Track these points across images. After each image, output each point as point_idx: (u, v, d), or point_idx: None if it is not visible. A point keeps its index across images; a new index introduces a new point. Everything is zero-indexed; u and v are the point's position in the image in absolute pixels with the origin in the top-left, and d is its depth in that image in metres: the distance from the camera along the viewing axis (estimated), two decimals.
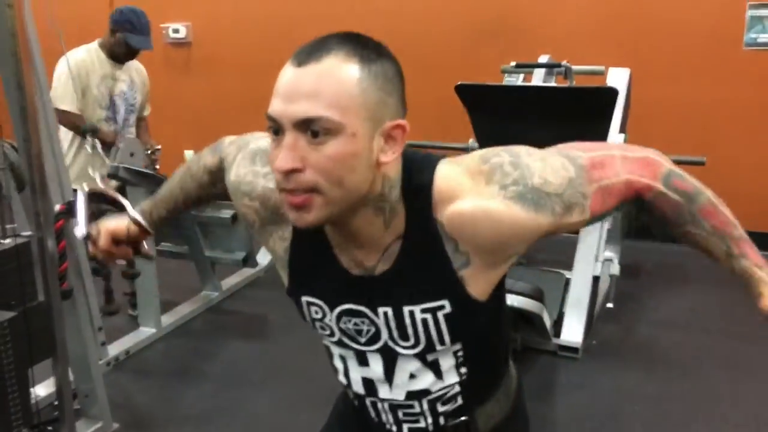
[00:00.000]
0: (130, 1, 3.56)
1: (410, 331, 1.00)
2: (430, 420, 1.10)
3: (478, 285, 0.97)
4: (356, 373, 1.10)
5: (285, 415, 2.72)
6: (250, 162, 1.07)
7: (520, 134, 3.46)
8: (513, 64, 3.83)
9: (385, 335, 1.02)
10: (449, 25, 4.77)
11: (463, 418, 1.10)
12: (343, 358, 1.10)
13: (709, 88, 4.38)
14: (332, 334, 1.07)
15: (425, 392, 1.07)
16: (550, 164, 0.96)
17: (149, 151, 3.50)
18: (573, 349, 3.14)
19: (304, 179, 0.85)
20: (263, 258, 4.21)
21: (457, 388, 1.07)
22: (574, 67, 3.69)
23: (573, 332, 3.17)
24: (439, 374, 1.06)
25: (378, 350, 1.04)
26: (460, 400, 1.09)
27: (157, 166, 3.62)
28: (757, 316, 1.05)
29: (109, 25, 3.32)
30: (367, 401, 1.12)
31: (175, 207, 1.33)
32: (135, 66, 3.51)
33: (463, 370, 1.06)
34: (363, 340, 1.04)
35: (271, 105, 0.87)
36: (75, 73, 3.20)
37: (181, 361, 3.24)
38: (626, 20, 4.49)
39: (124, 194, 3.23)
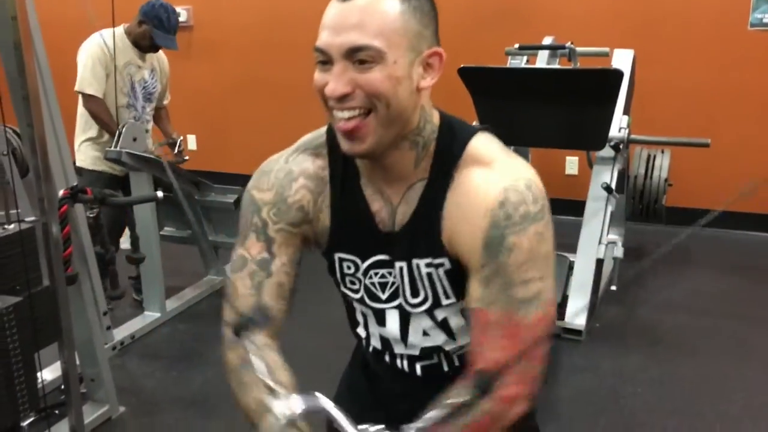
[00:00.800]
0: None
1: (419, 285, 1.05)
2: (444, 363, 1.13)
3: (459, 254, 1.00)
4: (374, 330, 1.14)
5: None
6: (264, 174, 1.09)
7: (524, 117, 3.46)
8: (516, 46, 3.81)
9: (399, 292, 1.07)
10: (452, 8, 4.72)
11: None
12: (364, 316, 1.15)
13: (713, 69, 4.35)
14: (357, 290, 1.11)
15: (439, 348, 1.11)
16: (540, 262, 0.97)
17: (175, 144, 3.51)
18: (576, 332, 3.15)
19: (356, 101, 0.93)
20: None
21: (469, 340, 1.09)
22: (579, 49, 3.67)
23: (576, 315, 3.18)
24: (451, 334, 1.09)
25: (396, 307, 1.08)
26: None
27: (187, 157, 3.63)
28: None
29: (138, 14, 3.26)
30: (386, 353, 1.15)
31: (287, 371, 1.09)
32: (157, 54, 3.46)
33: None
34: (385, 296, 1.08)
35: (320, 38, 0.93)
36: (101, 57, 3.18)
37: (185, 345, 3.26)
38: (630, 1, 4.45)
39: (127, 181, 3.25)
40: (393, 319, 1.10)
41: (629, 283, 3.70)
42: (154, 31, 3.22)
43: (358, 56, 0.90)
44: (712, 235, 4.41)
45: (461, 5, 4.69)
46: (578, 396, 2.75)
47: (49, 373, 2.62)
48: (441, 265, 1.02)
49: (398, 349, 1.13)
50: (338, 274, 1.12)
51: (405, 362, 1.15)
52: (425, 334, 1.09)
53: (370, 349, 1.18)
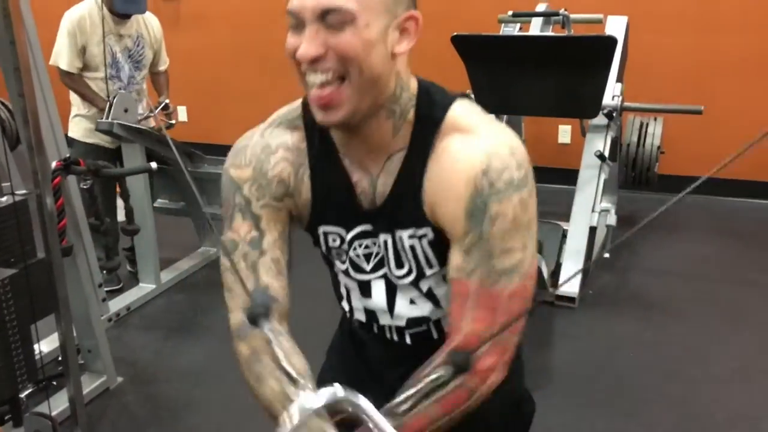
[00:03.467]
0: None
1: (402, 257, 1.05)
2: (431, 331, 1.13)
3: (442, 223, 0.99)
4: (359, 304, 1.14)
5: None
6: (239, 151, 1.07)
7: (518, 85, 3.46)
8: (510, 13, 3.78)
9: (385, 262, 1.06)
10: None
11: None
12: (347, 290, 1.14)
13: (707, 36, 4.33)
14: (344, 262, 1.10)
15: (425, 319, 1.11)
16: (522, 231, 0.95)
17: (159, 107, 3.46)
18: (570, 299, 3.18)
19: (327, 65, 0.91)
20: None
21: None
22: (572, 16, 3.65)
23: (570, 282, 3.20)
24: (437, 303, 1.09)
25: (382, 277, 1.08)
26: None
27: (173, 121, 3.59)
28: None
29: None
30: (373, 324, 1.15)
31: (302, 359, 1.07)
32: (145, 19, 3.37)
33: None
34: (369, 266, 1.08)
35: (291, 1, 0.92)
36: (74, 31, 3.13)
37: (181, 316, 3.28)
38: None
39: (119, 152, 3.24)
40: (379, 290, 1.09)
41: (622, 250, 3.73)
42: None
43: (330, 18, 0.89)
44: (702, 201, 4.44)
45: None
46: (572, 362, 2.78)
47: (46, 345, 2.64)
48: (424, 236, 1.01)
49: (384, 320, 1.12)
50: (324, 248, 1.11)
51: (394, 333, 1.14)
52: (412, 302, 1.09)
53: (355, 323, 1.18)
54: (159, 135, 3.24)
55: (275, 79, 5.53)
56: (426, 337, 1.12)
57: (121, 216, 3.23)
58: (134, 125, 3.11)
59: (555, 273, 3.25)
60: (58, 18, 3.21)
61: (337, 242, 1.08)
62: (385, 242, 1.04)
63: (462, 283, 0.96)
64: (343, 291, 1.15)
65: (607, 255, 3.53)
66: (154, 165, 2.69)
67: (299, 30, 0.92)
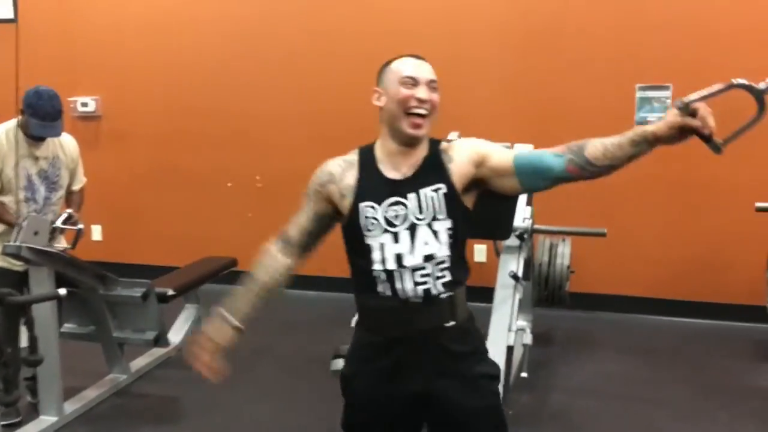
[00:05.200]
0: (41, 77, 3.42)
1: (423, 205, 1.70)
2: (433, 283, 1.69)
3: (456, 176, 1.73)
4: (390, 252, 1.70)
5: None
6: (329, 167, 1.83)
7: None
8: None
9: (410, 215, 1.70)
10: (361, 102, 4.88)
11: (451, 293, 1.71)
12: (381, 246, 1.70)
13: None
14: (379, 226, 1.71)
15: (432, 257, 1.69)
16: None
17: (61, 217, 3.28)
18: None
19: (427, 106, 1.71)
20: (175, 336, 4.07)
21: (447, 263, 1.70)
22: None
23: None
24: (441, 243, 1.69)
25: (407, 228, 1.70)
26: (448, 276, 1.70)
27: (81, 226, 3.36)
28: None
29: None
30: (395, 275, 1.69)
31: (256, 303, 1.83)
32: (61, 140, 3.34)
33: (452, 248, 1.70)
34: (398, 222, 1.70)
35: (405, 70, 1.73)
36: None
37: None
38: (530, 100, 4.75)
39: (26, 276, 3.11)
40: (405, 236, 1.69)
41: (540, 369, 3.78)
42: (29, 120, 3.10)
43: (432, 84, 1.72)
44: (615, 319, 4.60)
45: (368, 100, 4.85)
46: None
47: None
48: (440, 188, 1.71)
49: (407, 260, 1.68)
50: (362, 221, 1.71)
51: (409, 281, 1.68)
52: (425, 243, 1.68)
53: (382, 278, 1.69)
54: (69, 258, 3.14)
55: (193, 198, 5.54)
56: (429, 295, 1.68)
57: (23, 342, 3.04)
58: (43, 248, 3.01)
59: None
60: None
61: (371, 213, 1.71)
62: (413, 197, 1.70)
63: (519, 156, 1.76)
64: (377, 255, 1.70)
65: (525, 374, 3.56)
66: (63, 291, 2.58)
67: (413, 87, 1.70)
